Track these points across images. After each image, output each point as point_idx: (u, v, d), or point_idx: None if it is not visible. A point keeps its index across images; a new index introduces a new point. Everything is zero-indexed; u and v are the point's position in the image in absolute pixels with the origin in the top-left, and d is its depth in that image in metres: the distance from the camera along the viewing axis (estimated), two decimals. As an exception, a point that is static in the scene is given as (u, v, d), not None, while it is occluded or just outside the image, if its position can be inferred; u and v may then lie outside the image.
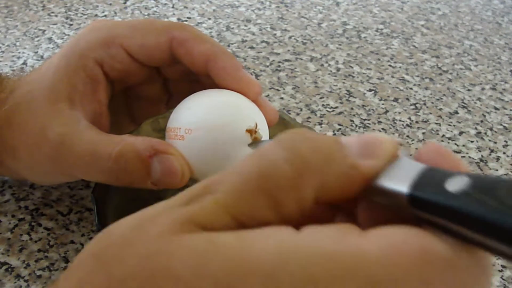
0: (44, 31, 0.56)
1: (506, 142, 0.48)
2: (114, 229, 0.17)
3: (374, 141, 0.19)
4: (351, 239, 0.16)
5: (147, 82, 0.34)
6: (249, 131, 0.29)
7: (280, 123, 0.35)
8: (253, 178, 0.17)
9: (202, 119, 0.29)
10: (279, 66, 0.54)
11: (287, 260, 0.15)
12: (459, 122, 0.49)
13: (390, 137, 0.19)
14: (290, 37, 0.59)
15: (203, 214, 0.17)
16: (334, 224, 0.17)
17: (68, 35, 0.56)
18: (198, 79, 0.33)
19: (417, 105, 0.51)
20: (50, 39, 0.55)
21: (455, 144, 0.47)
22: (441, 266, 0.15)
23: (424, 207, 0.17)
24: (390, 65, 0.56)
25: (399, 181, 0.18)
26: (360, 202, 0.19)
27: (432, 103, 0.51)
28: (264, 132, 0.30)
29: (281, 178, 0.17)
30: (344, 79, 0.53)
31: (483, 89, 0.55)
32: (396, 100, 0.51)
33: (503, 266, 0.37)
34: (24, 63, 0.51)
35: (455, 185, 0.17)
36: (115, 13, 0.60)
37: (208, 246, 0.16)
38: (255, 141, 0.29)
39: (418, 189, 0.17)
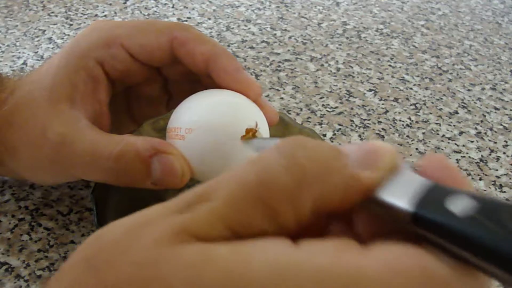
0: (44, 31, 0.56)
1: (506, 142, 0.48)
2: (106, 232, 0.17)
3: (374, 151, 0.18)
4: (350, 257, 0.16)
5: (147, 82, 0.34)
6: (249, 131, 0.29)
7: (280, 124, 0.35)
8: (250, 187, 0.17)
9: (202, 119, 0.29)
10: (279, 66, 0.54)
11: (283, 276, 0.15)
12: (459, 122, 0.49)
13: (390, 147, 0.19)
14: (290, 37, 0.59)
15: (198, 224, 0.16)
16: (332, 239, 0.17)
17: (68, 35, 0.56)
18: (198, 80, 0.33)
19: (417, 105, 0.51)
20: (50, 39, 0.55)
21: (455, 144, 0.47)
22: (440, 287, 0.15)
23: (427, 226, 0.17)
24: (390, 65, 0.56)
25: (401, 196, 0.17)
26: (358, 211, 0.19)
27: (432, 103, 0.51)
28: (264, 132, 0.30)
29: (280, 188, 0.17)
30: (344, 79, 0.53)
31: (483, 89, 0.55)
32: (396, 100, 0.51)
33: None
34: (24, 63, 0.51)
35: (460, 206, 0.16)
36: (115, 13, 0.60)
37: (202, 259, 0.15)
38: (248, 136, 0.29)
39: (421, 207, 0.17)
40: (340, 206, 0.18)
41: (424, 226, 0.17)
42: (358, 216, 0.19)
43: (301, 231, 0.18)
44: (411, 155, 0.45)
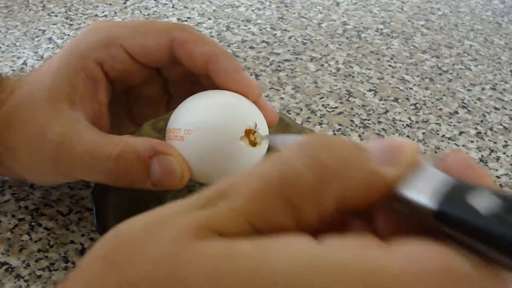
0: (44, 31, 0.56)
1: (506, 142, 0.48)
2: (124, 229, 0.17)
3: (396, 147, 0.18)
4: (373, 253, 0.16)
5: (147, 83, 0.34)
6: (249, 132, 0.29)
7: (280, 124, 0.35)
8: (273, 183, 0.17)
9: (201, 120, 0.29)
10: (279, 66, 0.54)
11: (306, 272, 0.15)
12: (459, 122, 0.49)
13: (411, 143, 0.19)
14: (290, 37, 0.59)
15: (219, 219, 0.16)
16: (354, 236, 0.16)
17: (68, 35, 0.56)
18: (198, 80, 0.33)
19: (417, 105, 0.51)
20: (50, 39, 0.55)
21: (455, 144, 0.47)
22: (465, 285, 0.15)
23: (450, 223, 0.17)
24: (390, 65, 0.56)
25: (424, 192, 0.17)
26: (379, 207, 0.19)
27: (432, 103, 0.51)
28: (264, 132, 0.30)
29: (303, 185, 0.17)
30: (344, 79, 0.53)
31: (483, 89, 0.55)
32: (396, 100, 0.51)
33: None
34: (24, 63, 0.51)
35: (484, 203, 0.16)
36: (115, 13, 0.60)
37: (224, 254, 0.15)
38: (248, 135, 0.29)
39: (445, 204, 0.17)
40: (362, 202, 0.18)
41: (447, 223, 0.17)
42: (379, 212, 0.19)
43: (321, 227, 0.18)
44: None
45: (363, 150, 0.18)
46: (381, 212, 0.19)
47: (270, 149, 0.31)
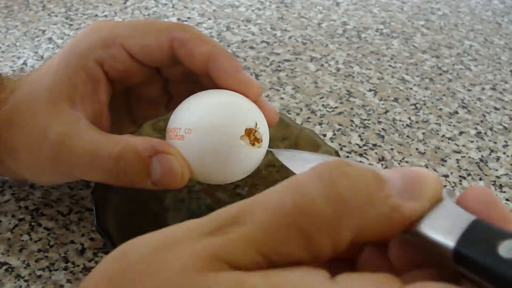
0: (44, 31, 0.56)
1: (506, 142, 0.48)
2: (132, 249, 0.16)
3: (418, 179, 0.17)
4: None
5: (147, 83, 0.34)
6: (249, 131, 0.29)
7: (280, 124, 0.35)
8: (287, 213, 0.16)
9: (201, 119, 0.29)
10: (279, 66, 0.54)
11: None
12: (459, 122, 0.49)
13: (435, 175, 0.18)
14: (290, 37, 0.59)
15: (230, 249, 0.16)
16: (371, 274, 0.16)
17: (68, 35, 0.56)
18: (198, 80, 0.33)
19: (417, 105, 0.51)
20: (50, 39, 0.55)
21: (455, 144, 0.47)
22: None
23: (468, 265, 0.16)
24: (390, 65, 0.56)
25: (443, 231, 0.17)
26: (395, 239, 0.18)
27: (432, 103, 0.51)
28: (264, 132, 0.30)
29: (318, 217, 0.16)
30: (344, 79, 0.53)
31: (483, 89, 0.55)
32: (396, 100, 0.51)
33: None
34: (24, 63, 0.51)
35: (506, 248, 0.15)
36: (115, 13, 0.60)
37: None
38: (249, 134, 0.29)
39: (465, 245, 0.16)
40: (380, 237, 0.17)
41: (465, 265, 0.16)
42: (395, 244, 0.18)
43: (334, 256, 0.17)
44: (411, 155, 0.45)
45: (384, 181, 0.17)
46: (396, 242, 0.18)
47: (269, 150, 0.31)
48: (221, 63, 0.31)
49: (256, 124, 0.29)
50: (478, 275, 0.16)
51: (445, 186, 0.44)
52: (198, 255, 0.15)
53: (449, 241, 0.16)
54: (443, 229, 0.17)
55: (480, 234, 0.16)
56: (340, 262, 0.17)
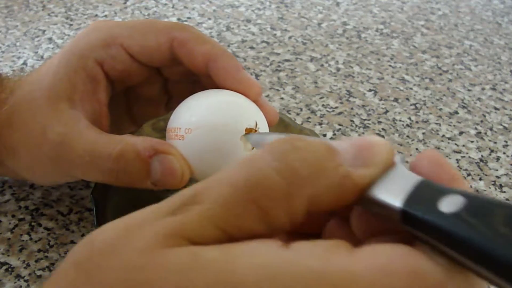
0: (44, 31, 0.56)
1: (506, 142, 0.48)
2: (97, 235, 0.17)
3: (369, 147, 0.18)
4: (340, 259, 0.15)
5: (147, 83, 0.34)
6: (249, 131, 0.29)
7: (280, 124, 0.35)
8: (242, 188, 0.17)
9: (202, 119, 0.29)
10: (279, 66, 0.54)
11: (272, 279, 0.15)
12: (459, 122, 0.49)
13: (385, 142, 0.18)
14: (290, 37, 0.59)
15: (190, 226, 0.16)
16: (323, 241, 0.16)
17: (68, 35, 0.56)
18: (198, 80, 0.33)
19: (417, 105, 0.51)
20: (50, 39, 0.55)
21: (455, 144, 0.47)
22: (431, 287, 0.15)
23: (415, 225, 0.16)
24: (390, 65, 0.56)
25: (392, 193, 0.17)
26: (354, 209, 0.19)
27: (432, 103, 0.51)
28: (264, 131, 0.30)
29: (272, 189, 0.17)
30: (344, 79, 0.53)
31: (483, 89, 0.55)
32: (396, 100, 0.51)
33: None
34: (24, 63, 0.51)
35: (449, 204, 0.16)
36: (115, 13, 0.60)
37: (192, 262, 0.15)
38: (248, 133, 0.29)
39: (410, 205, 0.16)
40: (335, 205, 0.18)
41: (412, 224, 0.16)
42: (355, 215, 0.19)
43: (299, 229, 0.18)
44: (411, 155, 0.45)
45: (335, 151, 0.18)
46: (355, 213, 0.19)
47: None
48: (221, 62, 0.31)
49: (257, 124, 0.29)
50: (424, 233, 0.16)
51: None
52: (160, 233, 0.16)
53: (396, 202, 0.17)
54: (392, 191, 0.17)
55: (424, 193, 0.17)
56: (309, 237, 0.18)
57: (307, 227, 0.19)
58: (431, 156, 0.18)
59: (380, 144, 0.18)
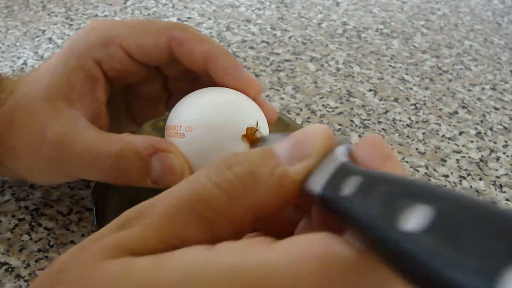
0: (44, 31, 0.56)
1: (506, 142, 0.48)
2: (59, 257, 0.18)
3: (303, 139, 0.18)
4: (257, 252, 0.16)
5: (146, 81, 0.34)
6: (250, 130, 0.29)
7: (280, 124, 0.35)
8: (185, 200, 0.17)
9: (203, 117, 0.29)
10: (279, 66, 0.54)
11: (192, 278, 0.15)
12: (459, 122, 0.49)
13: (322, 129, 0.19)
14: (290, 37, 0.59)
15: (131, 239, 0.17)
16: (249, 238, 0.17)
17: (68, 35, 0.56)
18: (197, 78, 0.33)
19: (417, 105, 0.51)
20: (50, 39, 0.55)
21: (455, 144, 0.47)
22: (343, 271, 0.15)
23: (330, 209, 0.16)
24: (390, 65, 0.56)
25: (316, 180, 0.17)
26: (315, 206, 0.19)
27: (432, 103, 0.51)
28: (264, 130, 0.30)
29: (214, 203, 0.17)
30: (344, 79, 0.53)
31: (483, 89, 0.55)
32: (396, 100, 0.51)
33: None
34: (24, 63, 0.51)
35: (349, 186, 0.16)
36: (115, 13, 0.60)
37: (124, 270, 0.16)
38: (250, 133, 0.29)
39: (325, 190, 0.17)
40: (282, 206, 0.18)
41: (329, 209, 0.17)
42: (314, 212, 0.19)
43: (274, 231, 0.18)
44: (411, 155, 0.45)
45: (271, 155, 0.18)
46: (314, 209, 0.19)
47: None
48: (220, 61, 0.31)
49: (258, 123, 0.29)
50: (339, 218, 0.16)
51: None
52: (104, 247, 0.17)
53: (317, 188, 0.17)
54: (317, 179, 0.17)
55: (337, 176, 0.17)
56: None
57: (280, 228, 0.20)
58: (368, 139, 0.18)
59: (314, 133, 0.18)
